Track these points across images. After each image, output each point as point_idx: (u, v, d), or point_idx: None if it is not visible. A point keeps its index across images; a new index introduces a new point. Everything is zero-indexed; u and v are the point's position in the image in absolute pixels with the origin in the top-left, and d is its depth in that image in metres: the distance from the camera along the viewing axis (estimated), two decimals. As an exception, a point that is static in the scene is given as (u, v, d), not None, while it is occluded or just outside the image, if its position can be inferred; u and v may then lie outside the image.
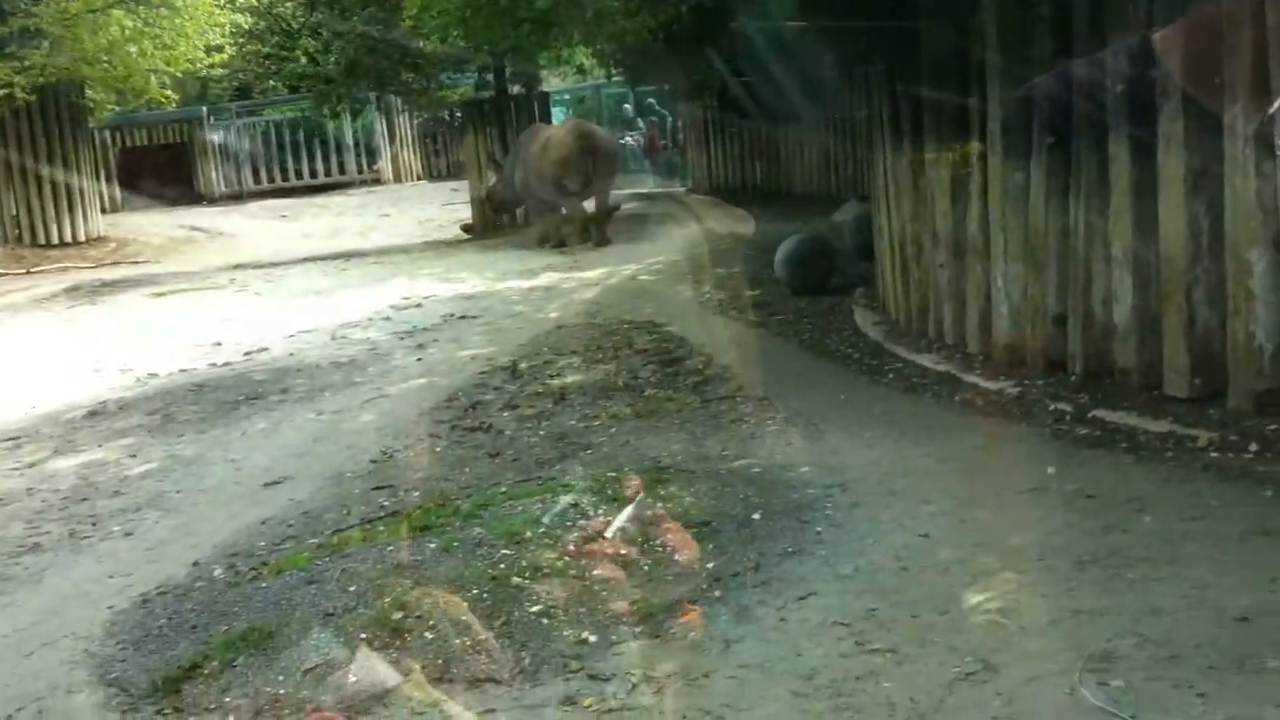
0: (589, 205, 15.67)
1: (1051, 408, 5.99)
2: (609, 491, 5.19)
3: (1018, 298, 6.80)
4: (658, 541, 4.67)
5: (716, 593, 4.25)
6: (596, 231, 15.35)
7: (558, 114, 22.82)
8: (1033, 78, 6.52)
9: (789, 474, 5.50)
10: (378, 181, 27.28)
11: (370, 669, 3.86)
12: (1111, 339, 6.13)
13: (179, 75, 21.24)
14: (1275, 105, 5.10)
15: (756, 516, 4.92)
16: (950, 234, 7.48)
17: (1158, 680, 3.34)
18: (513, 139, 17.99)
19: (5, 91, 17.67)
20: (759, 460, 5.77)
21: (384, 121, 27.37)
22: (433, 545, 4.81)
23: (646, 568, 4.46)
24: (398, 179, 27.72)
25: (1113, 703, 3.23)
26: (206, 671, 4.06)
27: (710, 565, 4.45)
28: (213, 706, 3.85)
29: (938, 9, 7.58)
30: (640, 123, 24.67)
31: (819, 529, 4.77)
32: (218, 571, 5.09)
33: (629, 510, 4.87)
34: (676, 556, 4.53)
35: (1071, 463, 5.28)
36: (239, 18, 21.16)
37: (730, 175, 20.40)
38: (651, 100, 23.67)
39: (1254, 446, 5.03)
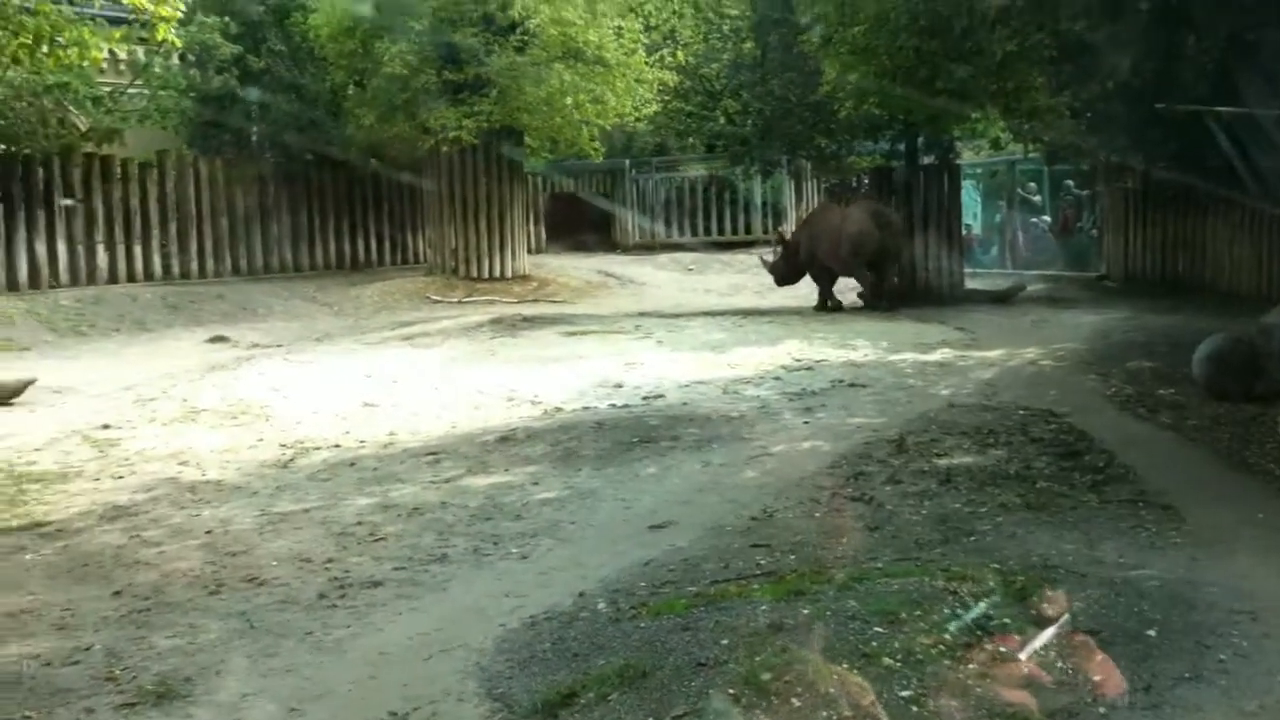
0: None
1: None
2: (1002, 591, 4.98)
3: None
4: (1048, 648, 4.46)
5: (1100, 709, 4.02)
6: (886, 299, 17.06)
7: (967, 187, 22.45)
8: None
9: (1191, 592, 5.12)
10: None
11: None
12: None
13: (607, 128, 22.61)
14: None
15: (1151, 633, 4.61)
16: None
17: None
18: (919, 207, 18.04)
19: (455, 134, 19.51)
20: (1158, 572, 5.41)
21: (792, 184, 27.88)
22: (805, 611, 4.81)
23: (1025, 670, 4.28)
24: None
25: None
26: (583, 701, 4.26)
27: (1096, 678, 4.22)
28: (585, 737, 4.05)
29: None
30: (1037, 201, 23.76)
31: (1221, 656, 4.42)
32: (601, 605, 5.33)
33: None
34: (1062, 666, 4.31)
35: None
36: (666, 75, 22.21)
37: (1149, 264, 19.34)
38: (1069, 181, 22.75)
39: None
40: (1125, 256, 19.94)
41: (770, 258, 18.52)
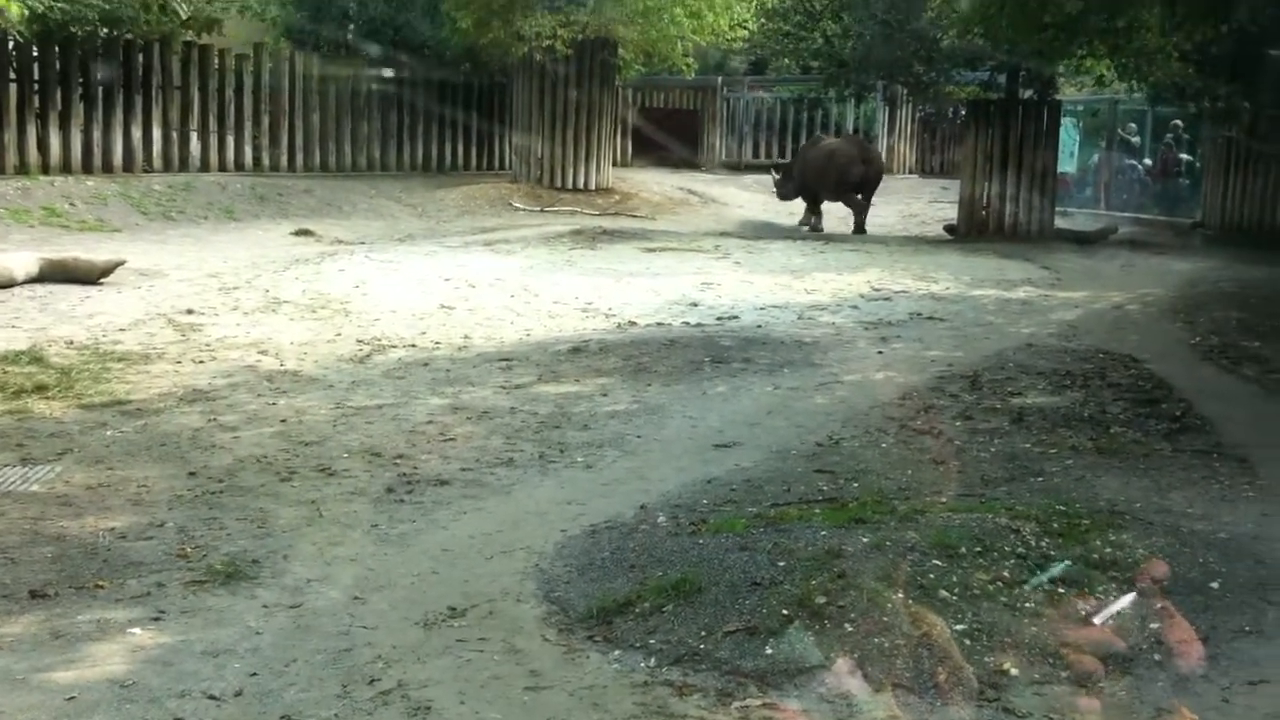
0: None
1: None
2: (1065, 533, 4.93)
3: None
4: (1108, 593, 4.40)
5: (1156, 656, 3.99)
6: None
7: (1065, 124, 21.84)
8: None
9: (1259, 546, 5.04)
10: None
11: (791, 645, 3.97)
12: None
13: (702, 44, 22.25)
14: None
15: (1214, 585, 4.55)
16: None
17: None
18: (1015, 142, 17.67)
19: (549, 43, 19.35)
20: (1227, 524, 5.33)
21: (886, 111, 27.34)
22: (864, 540, 4.80)
23: (1084, 612, 4.25)
24: (890, 170, 27.62)
25: None
26: (638, 610, 4.33)
27: (1154, 625, 4.18)
28: (638, 645, 4.11)
29: None
30: (1136, 143, 23.02)
31: (1285, 615, 4.35)
32: (661, 519, 5.39)
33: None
34: (1121, 612, 4.27)
35: None
36: (766, -7, 21.82)
37: (1249, 214, 18.74)
38: (1178, 122, 21.99)
39: None
40: (1223, 204, 19.35)
41: (778, 177, 20.07)
